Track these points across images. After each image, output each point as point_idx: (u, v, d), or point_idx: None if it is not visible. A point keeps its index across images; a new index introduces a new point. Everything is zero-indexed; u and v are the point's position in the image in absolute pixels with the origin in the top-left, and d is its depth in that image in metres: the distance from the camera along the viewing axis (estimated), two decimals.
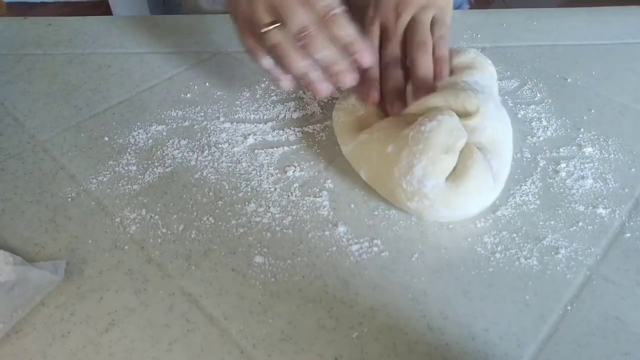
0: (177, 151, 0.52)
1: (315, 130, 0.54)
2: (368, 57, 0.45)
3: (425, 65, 0.49)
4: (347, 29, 0.43)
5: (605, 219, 0.45)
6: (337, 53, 0.44)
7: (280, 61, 0.45)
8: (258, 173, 0.49)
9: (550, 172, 0.49)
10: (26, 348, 0.37)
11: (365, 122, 0.49)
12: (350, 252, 0.43)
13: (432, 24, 0.52)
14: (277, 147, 0.52)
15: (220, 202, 0.47)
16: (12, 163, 0.51)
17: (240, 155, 0.51)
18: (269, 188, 0.48)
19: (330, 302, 0.40)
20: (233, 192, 0.48)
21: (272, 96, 0.59)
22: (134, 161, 0.51)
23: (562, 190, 0.48)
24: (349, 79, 0.46)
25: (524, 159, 0.51)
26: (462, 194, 0.42)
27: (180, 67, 0.63)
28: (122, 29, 0.70)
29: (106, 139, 0.53)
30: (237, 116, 0.56)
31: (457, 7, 0.83)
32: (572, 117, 0.56)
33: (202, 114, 0.56)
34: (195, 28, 0.70)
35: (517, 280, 0.41)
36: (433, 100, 0.45)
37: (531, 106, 0.57)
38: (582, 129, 0.54)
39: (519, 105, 0.57)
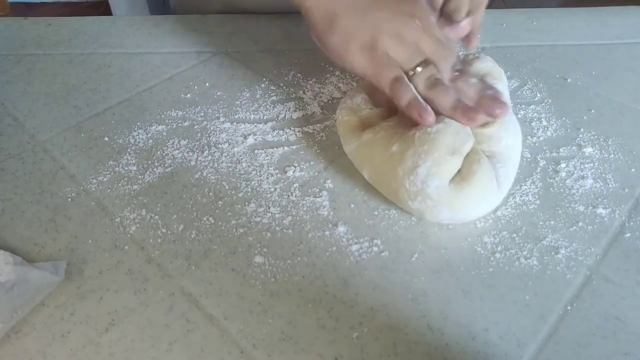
0: (177, 151, 0.52)
1: (315, 130, 0.54)
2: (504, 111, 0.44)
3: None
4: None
5: (605, 219, 0.45)
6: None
7: (430, 95, 0.44)
8: (258, 173, 0.49)
9: (550, 172, 0.49)
10: (26, 348, 0.37)
11: (369, 122, 0.49)
12: (350, 252, 0.43)
13: None
14: (277, 147, 0.52)
15: (220, 202, 0.47)
16: (12, 163, 0.51)
17: (240, 155, 0.51)
18: (269, 188, 0.48)
19: (330, 302, 0.40)
20: (233, 192, 0.48)
21: (272, 96, 0.59)
22: (134, 161, 0.51)
23: (562, 190, 0.48)
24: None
25: (524, 159, 0.51)
26: (465, 197, 0.42)
27: (180, 67, 0.63)
28: (122, 29, 0.70)
29: (106, 139, 0.53)
30: (237, 116, 0.56)
31: None
32: (572, 117, 0.56)
33: (202, 114, 0.56)
34: (195, 28, 0.70)
35: (517, 280, 0.41)
36: None
37: (531, 106, 0.57)
38: (582, 129, 0.54)
39: (519, 105, 0.57)
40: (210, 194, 0.47)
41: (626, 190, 0.48)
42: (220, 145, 0.52)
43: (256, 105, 0.57)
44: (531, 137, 0.53)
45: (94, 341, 0.37)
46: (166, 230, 0.44)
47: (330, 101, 0.58)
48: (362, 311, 0.39)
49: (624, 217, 0.46)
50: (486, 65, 0.51)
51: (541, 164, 0.50)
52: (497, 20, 0.72)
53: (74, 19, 0.72)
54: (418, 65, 0.43)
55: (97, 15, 0.73)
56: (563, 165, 0.50)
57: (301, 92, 0.59)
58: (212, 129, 0.54)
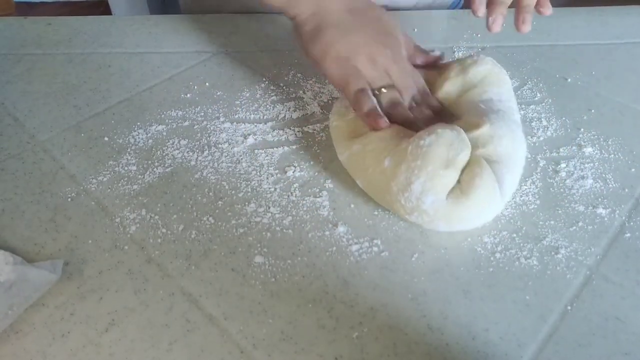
0: (177, 151, 0.52)
1: (315, 130, 0.54)
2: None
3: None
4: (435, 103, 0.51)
5: (605, 219, 0.45)
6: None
7: (390, 111, 0.48)
8: (258, 173, 0.49)
9: (550, 172, 0.49)
10: (26, 348, 0.37)
11: (358, 126, 0.48)
12: (350, 252, 0.43)
13: None
14: (277, 147, 0.52)
15: (220, 202, 0.47)
16: (12, 163, 0.51)
17: (240, 155, 0.51)
18: (269, 188, 0.48)
19: (330, 302, 0.40)
20: (233, 192, 0.48)
21: (272, 96, 0.59)
22: (134, 161, 0.51)
23: (562, 190, 0.48)
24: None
25: (524, 159, 0.50)
26: (464, 210, 0.42)
27: (180, 67, 0.63)
28: (122, 29, 0.70)
29: (106, 139, 0.53)
30: (237, 116, 0.56)
31: (454, 6, 0.83)
32: (572, 117, 0.56)
33: (202, 114, 0.56)
34: (195, 28, 0.70)
35: (517, 280, 0.41)
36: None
37: (531, 106, 0.57)
38: (582, 129, 0.54)
39: (519, 105, 0.57)
40: (210, 194, 0.47)
41: (626, 190, 0.48)
42: (220, 145, 0.52)
43: (256, 105, 0.57)
44: (531, 137, 0.53)
45: (94, 341, 0.37)
46: (166, 230, 0.44)
47: (330, 101, 0.58)
48: (362, 311, 0.39)
49: (624, 217, 0.46)
50: (484, 69, 0.51)
51: (541, 164, 0.50)
52: None
53: (74, 18, 0.72)
54: (383, 87, 0.48)
55: (97, 15, 0.73)
56: (563, 165, 0.50)
57: (301, 92, 0.59)
58: (212, 129, 0.54)
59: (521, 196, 0.47)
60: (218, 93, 0.59)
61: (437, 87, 0.52)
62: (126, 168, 0.50)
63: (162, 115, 0.56)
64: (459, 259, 0.42)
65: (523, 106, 0.57)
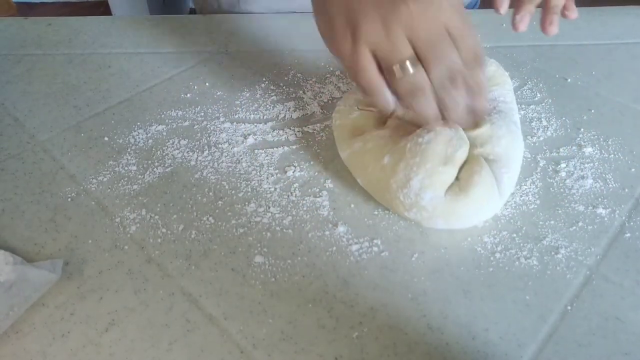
0: (177, 151, 0.52)
1: (315, 130, 0.54)
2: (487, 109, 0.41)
3: None
4: (482, 77, 0.39)
5: (605, 219, 0.45)
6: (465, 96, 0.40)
7: (409, 99, 0.39)
8: (258, 173, 0.49)
9: (550, 172, 0.49)
10: (26, 348, 0.37)
11: (362, 125, 0.48)
12: (350, 252, 0.43)
13: None
14: (277, 147, 0.52)
15: (220, 202, 0.47)
16: (12, 163, 0.51)
17: (240, 155, 0.51)
18: (269, 188, 0.48)
19: (330, 302, 0.40)
20: (233, 192, 0.48)
21: (272, 96, 0.59)
22: (134, 161, 0.51)
23: (562, 190, 0.48)
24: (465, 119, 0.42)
25: (524, 159, 0.50)
26: (462, 208, 0.42)
27: (180, 67, 0.63)
28: (122, 29, 0.70)
29: (106, 139, 0.53)
30: (237, 116, 0.56)
31: (472, 6, 0.83)
32: (572, 117, 0.56)
33: (202, 114, 0.56)
34: (195, 28, 0.70)
35: (517, 280, 0.41)
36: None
37: (531, 106, 0.57)
38: (582, 129, 0.54)
39: (519, 106, 0.57)
40: (210, 193, 0.47)
41: (626, 190, 0.48)
42: (220, 145, 0.52)
43: (256, 105, 0.57)
44: (531, 137, 0.53)
45: (94, 341, 0.37)
46: (166, 230, 0.44)
47: (330, 101, 0.58)
48: (362, 311, 0.39)
49: (624, 217, 0.46)
50: (489, 70, 0.51)
51: (541, 164, 0.50)
52: (497, 20, 0.72)
53: (74, 19, 0.72)
54: (401, 63, 0.38)
55: (97, 15, 0.73)
56: (563, 165, 0.50)
57: (301, 92, 0.59)
58: (212, 128, 0.54)
59: (521, 196, 0.47)
60: (218, 93, 0.59)
61: None
62: (126, 168, 0.50)
63: (162, 115, 0.56)
64: (459, 258, 0.42)
65: (523, 106, 0.57)
